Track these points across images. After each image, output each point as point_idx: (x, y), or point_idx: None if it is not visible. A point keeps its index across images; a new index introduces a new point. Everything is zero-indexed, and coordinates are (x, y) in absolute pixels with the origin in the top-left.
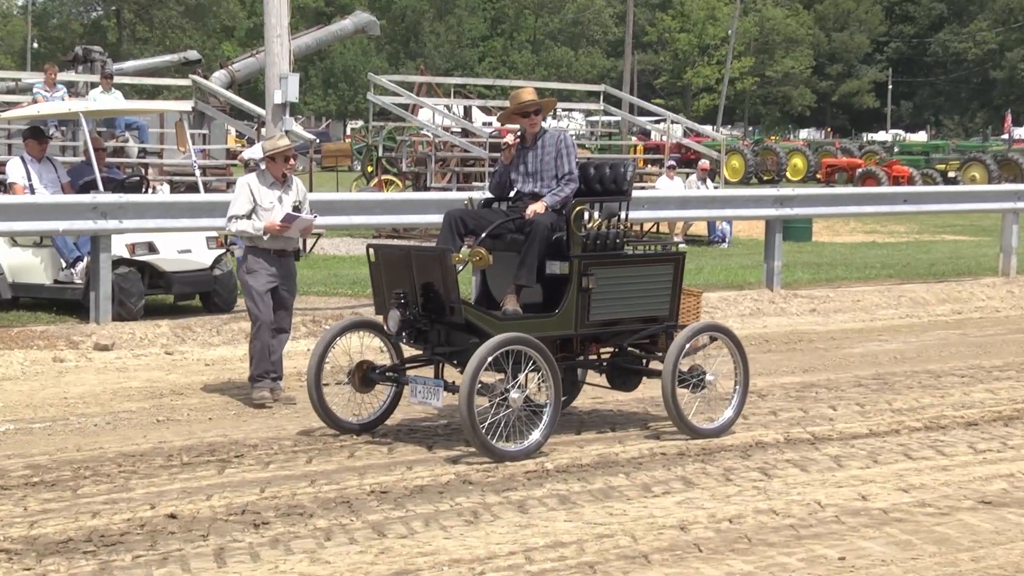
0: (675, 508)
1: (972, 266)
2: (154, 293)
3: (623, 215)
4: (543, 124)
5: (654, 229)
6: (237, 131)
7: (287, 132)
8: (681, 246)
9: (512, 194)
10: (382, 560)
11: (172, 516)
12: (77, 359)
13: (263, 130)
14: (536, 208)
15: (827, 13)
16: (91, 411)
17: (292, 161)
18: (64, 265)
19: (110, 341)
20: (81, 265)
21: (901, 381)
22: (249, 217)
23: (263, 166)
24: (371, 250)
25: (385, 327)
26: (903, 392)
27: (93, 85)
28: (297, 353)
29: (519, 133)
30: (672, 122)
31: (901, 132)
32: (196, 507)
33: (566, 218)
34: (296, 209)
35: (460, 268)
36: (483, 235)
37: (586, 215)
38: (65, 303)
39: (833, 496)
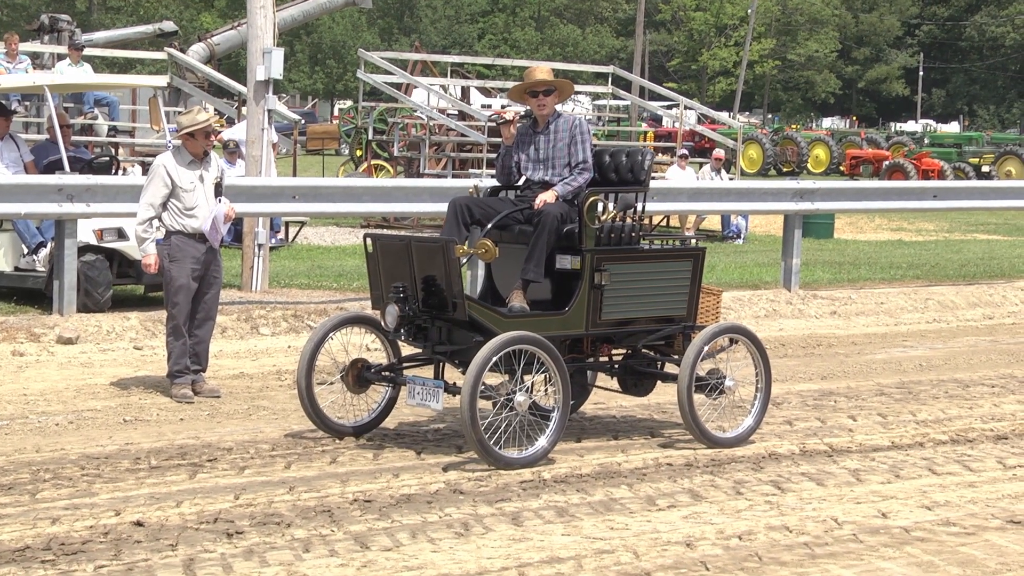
0: (681, 523)
1: (1006, 268)
2: (123, 283)
3: (640, 207)
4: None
5: (663, 223)
6: (216, 109)
7: (270, 111)
8: (692, 241)
9: (521, 182)
10: (364, 574)
11: (138, 524)
12: (38, 353)
13: (243, 108)
14: (546, 197)
15: None
16: (52, 409)
17: (212, 137)
18: (26, 251)
19: (74, 334)
20: (44, 251)
21: (926, 390)
22: (166, 203)
23: (244, 148)
24: (368, 240)
25: (382, 323)
26: (928, 402)
27: (60, 57)
28: (276, 350)
29: (522, 112)
30: (685, 107)
31: (932, 122)
32: (164, 514)
33: (578, 209)
34: (217, 187)
35: (464, 261)
36: (489, 226)
37: (600, 206)
38: (26, 292)
39: (851, 513)
